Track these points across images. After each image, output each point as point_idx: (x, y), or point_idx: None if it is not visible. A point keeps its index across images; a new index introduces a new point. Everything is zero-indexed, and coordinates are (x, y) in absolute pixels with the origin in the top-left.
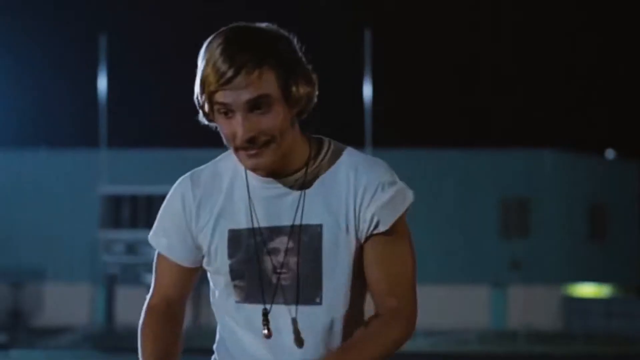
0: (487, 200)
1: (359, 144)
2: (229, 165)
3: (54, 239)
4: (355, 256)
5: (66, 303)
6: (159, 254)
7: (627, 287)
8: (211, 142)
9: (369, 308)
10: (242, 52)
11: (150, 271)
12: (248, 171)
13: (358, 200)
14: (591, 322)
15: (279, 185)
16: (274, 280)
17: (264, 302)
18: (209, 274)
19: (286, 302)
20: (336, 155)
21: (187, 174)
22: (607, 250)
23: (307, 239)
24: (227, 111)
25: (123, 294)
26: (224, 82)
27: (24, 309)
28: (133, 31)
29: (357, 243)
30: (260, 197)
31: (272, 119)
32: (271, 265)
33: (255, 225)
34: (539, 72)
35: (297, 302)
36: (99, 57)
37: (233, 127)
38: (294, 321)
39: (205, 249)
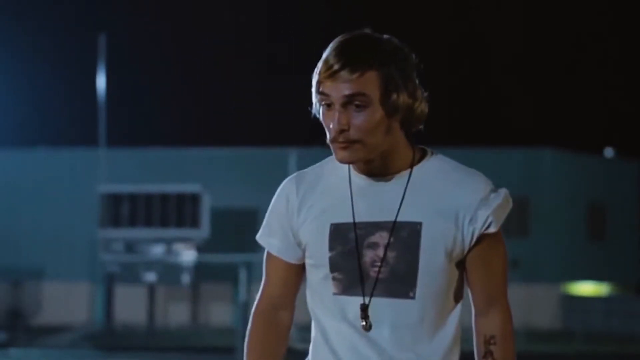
0: None
1: None
2: (334, 165)
3: (52, 238)
4: (452, 256)
5: (65, 302)
6: (267, 254)
7: (627, 285)
8: (211, 141)
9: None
10: (352, 51)
11: (149, 269)
12: (352, 170)
13: (467, 204)
14: (591, 320)
15: (382, 183)
16: (372, 273)
17: (362, 295)
18: (307, 269)
19: (382, 295)
20: (440, 162)
21: (293, 174)
22: (606, 249)
23: (405, 235)
24: (329, 103)
25: (122, 292)
26: (329, 75)
27: (23, 307)
28: (132, 30)
29: (460, 244)
30: (363, 193)
31: (365, 118)
32: (370, 259)
33: (357, 219)
34: (539, 71)
35: (391, 296)
36: (98, 56)
37: (330, 119)
38: (388, 314)
39: (305, 242)
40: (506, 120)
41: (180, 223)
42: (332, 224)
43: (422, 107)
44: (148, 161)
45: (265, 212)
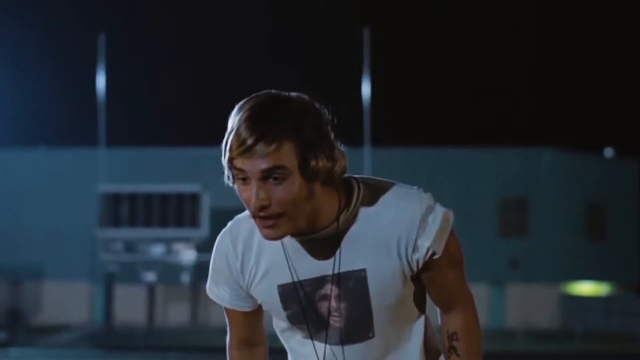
0: (485, 199)
1: (357, 143)
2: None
3: (52, 238)
4: (404, 285)
5: (65, 301)
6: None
7: (626, 285)
8: (211, 141)
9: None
10: (264, 123)
11: (149, 269)
12: None
13: (405, 236)
14: (590, 320)
15: (313, 240)
16: (332, 322)
17: (327, 342)
18: (275, 319)
19: (343, 343)
20: (368, 198)
21: (227, 228)
22: (606, 249)
23: (352, 285)
24: (245, 178)
25: (122, 292)
26: (243, 151)
27: (23, 307)
28: (132, 30)
29: (407, 272)
30: (298, 252)
31: (286, 191)
32: (326, 309)
33: (301, 278)
34: (538, 71)
35: (353, 342)
36: (98, 55)
37: (249, 194)
38: (354, 357)
39: (260, 300)
40: (506, 120)
41: (179, 223)
42: (278, 286)
43: (342, 164)
44: (147, 161)
45: None
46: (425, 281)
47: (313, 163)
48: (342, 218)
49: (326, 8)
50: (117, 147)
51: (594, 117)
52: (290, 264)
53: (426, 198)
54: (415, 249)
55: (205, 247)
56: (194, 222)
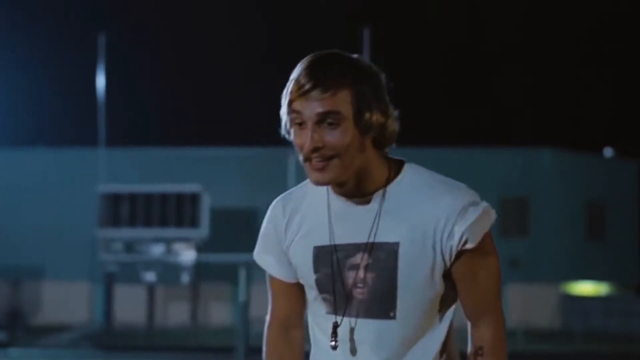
0: (485, 199)
1: None
2: (317, 190)
3: (52, 237)
4: (434, 272)
5: (65, 301)
6: (268, 274)
7: (626, 285)
8: (210, 142)
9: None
10: (323, 71)
11: (149, 269)
12: (330, 191)
13: (444, 220)
14: (590, 320)
15: (358, 204)
16: (355, 294)
17: (346, 315)
18: (305, 289)
19: (364, 316)
20: (416, 176)
21: (280, 196)
22: (605, 249)
23: (383, 256)
24: (301, 122)
25: (122, 292)
26: (302, 93)
27: (23, 307)
28: (132, 30)
29: (440, 260)
30: (341, 215)
31: (339, 135)
32: (352, 281)
33: (337, 242)
34: (538, 70)
35: (373, 317)
36: (98, 56)
37: (303, 138)
38: (370, 334)
39: (294, 263)
40: (506, 120)
41: (179, 223)
42: (314, 247)
43: (394, 126)
44: (147, 161)
45: (265, 211)
46: (457, 280)
47: (367, 115)
48: (388, 188)
49: (326, 8)
50: (117, 147)
51: (594, 117)
52: (330, 226)
53: (472, 193)
54: (450, 235)
55: (205, 247)
56: (194, 222)
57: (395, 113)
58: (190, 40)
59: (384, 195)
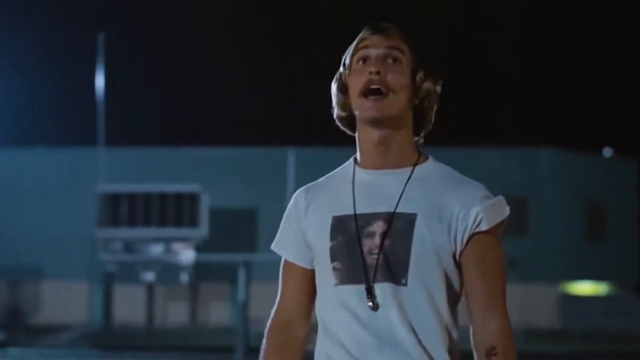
0: None
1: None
2: (343, 171)
3: (51, 237)
4: (445, 251)
5: (64, 301)
6: (283, 263)
7: (625, 285)
8: (209, 141)
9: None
10: (390, 27)
11: (148, 269)
12: (357, 168)
13: (461, 204)
14: (589, 320)
15: (385, 176)
16: (369, 261)
17: (364, 282)
18: (316, 271)
19: (378, 281)
20: (441, 167)
21: (305, 185)
22: (605, 249)
23: (400, 225)
24: (366, 58)
25: (121, 292)
26: (376, 29)
27: (22, 307)
28: (131, 30)
29: (452, 240)
30: (365, 186)
31: (400, 72)
32: (368, 248)
33: (358, 211)
34: (537, 70)
35: (385, 281)
36: (97, 55)
37: (364, 72)
38: (383, 298)
39: (310, 238)
40: (505, 120)
41: (179, 223)
42: (333, 217)
43: (432, 113)
44: (147, 161)
45: (264, 212)
46: (466, 265)
47: (421, 75)
48: (416, 168)
49: (325, 8)
50: (116, 146)
51: (594, 117)
52: (354, 197)
53: (488, 191)
54: (466, 216)
55: (204, 247)
56: (193, 222)
57: (439, 78)
58: (190, 40)
59: (411, 172)
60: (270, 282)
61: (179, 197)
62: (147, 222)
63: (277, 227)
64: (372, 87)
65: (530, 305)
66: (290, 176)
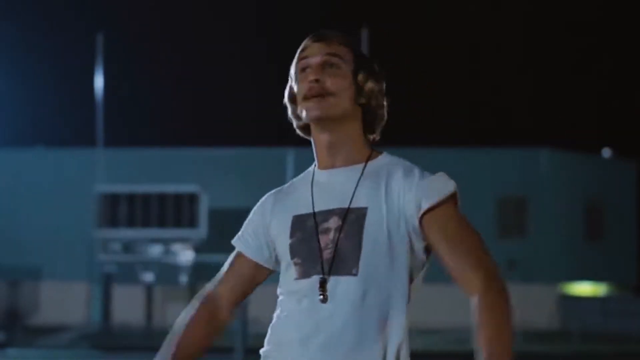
0: (483, 200)
1: None
2: (304, 174)
3: (50, 238)
4: (396, 237)
5: (63, 302)
6: (235, 252)
7: (624, 285)
8: (209, 142)
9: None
10: (329, 34)
11: (147, 269)
12: (316, 169)
13: (402, 187)
14: (588, 320)
15: (339, 175)
16: (325, 255)
17: (316, 275)
18: (280, 267)
19: (332, 274)
20: (393, 160)
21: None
22: (604, 249)
23: (353, 219)
24: (306, 67)
25: (120, 292)
26: (317, 38)
27: (21, 307)
28: (130, 30)
29: (403, 226)
30: (322, 185)
31: (339, 78)
32: (324, 243)
33: (315, 210)
34: (536, 70)
35: (338, 274)
36: (96, 55)
37: (307, 79)
38: (335, 290)
39: (273, 236)
40: (504, 120)
41: (178, 223)
42: (293, 216)
43: (383, 110)
44: (146, 161)
45: None
46: (435, 246)
47: (362, 76)
48: (368, 164)
49: (325, 8)
50: (115, 147)
51: (592, 118)
52: (312, 197)
53: (440, 174)
54: (409, 200)
55: (203, 247)
56: (192, 223)
57: (386, 103)
58: (189, 40)
59: (363, 169)
60: (269, 283)
61: (178, 197)
62: (146, 223)
63: None
64: (312, 93)
65: (529, 305)
66: (289, 176)
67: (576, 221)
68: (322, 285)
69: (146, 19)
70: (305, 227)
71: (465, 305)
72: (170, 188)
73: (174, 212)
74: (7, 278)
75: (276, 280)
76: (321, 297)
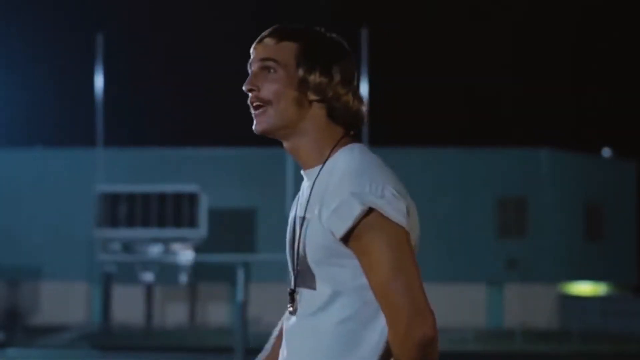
0: (483, 199)
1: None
2: None
3: (50, 238)
4: (330, 251)
5: (63, 302)
6: None
7: (624, 285)
8: (208, 142)
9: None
10: (280, 27)
11: (147, 269)
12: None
13: (330, 203)
14: (588, 320)
15: (306, 177)
16: (295, 264)
17: (291, 284)
18: None
19: (297, 286)
20: (343, 160)
21: None
22: (603, 249)
23: (304, 229)
24: (251, 67)
25: (120, 292)
26: (257, 41)
27: (21, 307)
28: (130, 30)
29: (330, 240)
30: (301, 190)
31: (274, 80)
32: (294, 253)
33: (294, 215)
34: (536, 71)
35: (302, 286)
36: (96, 55)
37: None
38: (300, 303)
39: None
40: (504, 120)
41: (177, 223)
42: (290, 219)
43: (344, 100)
44: (146, 161)
45: (263, 212)
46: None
47: (304, 70)
48: (325, 165)
49: (324, 8)
50: (115, 147)
51: (592, 118)
52: (298, 199)
53: (365, 184)
54: (323, 220)
55: (203, 247)
56: (192, 223)
57: (356, 94)
58: (189, 40)
59: (318, 174)
60: (269, 283)
61: (177, 197)
62: (146, 223)
63: (276, 227)
64: (253, 104)
65: (529, 305)
66: (289, 177)
67: (576, 221)
68: (291, 296)
69: (146, 19)
70: (288, 234)
71: (465, 305)
72: (170, 188)
73: (173, 212)
74: (7, 278)
75: (275, 280)
76: (291, 308)
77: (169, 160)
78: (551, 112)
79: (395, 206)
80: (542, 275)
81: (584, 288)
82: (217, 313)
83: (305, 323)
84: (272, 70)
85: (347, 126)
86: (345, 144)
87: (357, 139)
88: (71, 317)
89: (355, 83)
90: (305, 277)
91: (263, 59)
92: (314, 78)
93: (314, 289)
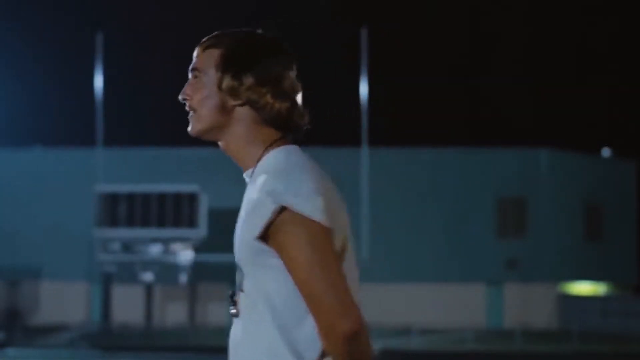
0: (483, 199)
1: (355, 143)
2: None
3: (50, 238)
4: (257, 249)
5: (63, 301)
6: None
7: (623, 285)
8: (207, 141)
9: None
10: (210, 36)
11: (146, 269)
12: None
13: (245, 205)
14: (587, 320)
15: (246, 179)
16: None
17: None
18: None
19: (237, 288)
20: (269, 161)
21: None
22: (603, 249)
23: (235, 232)
24: None
25: (119, 292)
26: (195, 50)
27: (21, 307)
28: (130, 30)
29: (252, 244)
30: None
31: (197, 90)
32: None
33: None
34: (536, 71)
35: (239, 288)
36: (96, 55)
37: None
38: (239, 304)
39: None
40: (504, 120)
41: (177, 223)
42: None
43: (264, 102)
44: (145, 161)
45: None
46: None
47: (218, 77)
48: (257, 166)
49: (324, 8)
50: (114, 147)
51: (592, 118)
52: None
53: (280, 183)
54: (244, 222)
55: (203, 247)
56: (192, 222)
57: (283, 94)
58: (189, 40)
59: (252, 173)
60: None
61: (177, 197)
62: (145, 223)
63: None
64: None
65: (529, 305)
66: None
67: (576, 221)
68: (232, 298)
69: (146, 19)
70: None
71: (465, 305)
72: (170, 188)
73: (173, 211)
74: (7, 278)
75: None
76: (233, 311)
77: (169, 160)
78: (551, 112)
79: (312, 203)
80: (541, 275)
81: (583, 288)
82: (217, 313)
83: (243, 326)
84: (198, 79)
85: (277, 127)
86: (278, 146)
87: (296, 141)
88: (71, 317)
89: (285, 83)
90: (241, 278)
91: (192, 69)
92: (227, 83)
93: (244, 290)
